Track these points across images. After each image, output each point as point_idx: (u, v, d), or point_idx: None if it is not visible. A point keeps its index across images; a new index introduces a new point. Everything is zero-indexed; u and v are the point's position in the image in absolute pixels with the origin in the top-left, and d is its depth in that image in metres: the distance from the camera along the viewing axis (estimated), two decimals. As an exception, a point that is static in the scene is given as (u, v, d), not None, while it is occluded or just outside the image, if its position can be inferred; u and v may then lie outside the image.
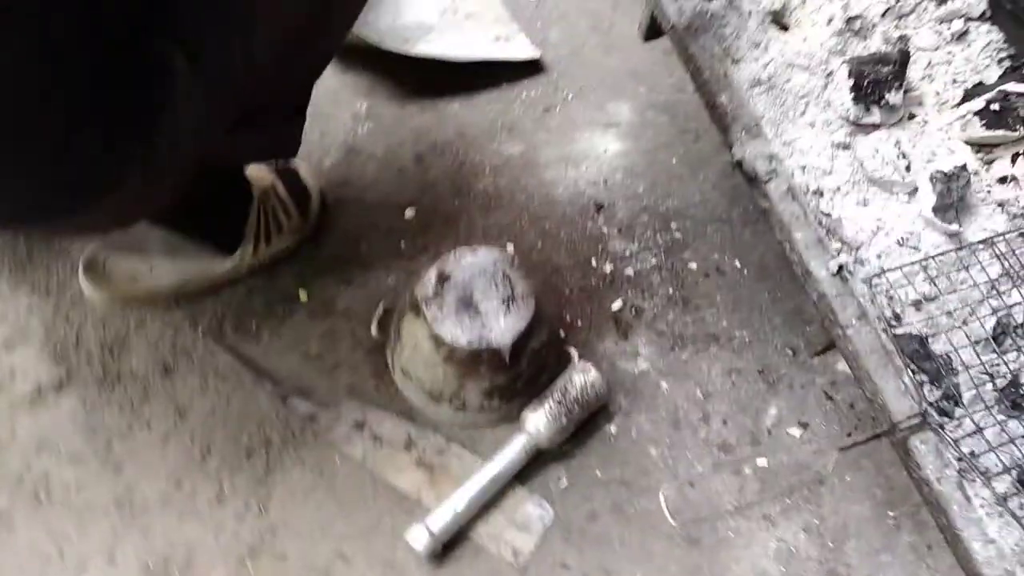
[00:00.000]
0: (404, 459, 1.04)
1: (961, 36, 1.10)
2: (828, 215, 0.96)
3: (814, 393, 1.16)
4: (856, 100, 1.00)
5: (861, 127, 1.01)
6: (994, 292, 0.93)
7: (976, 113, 1.01)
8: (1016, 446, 0.84)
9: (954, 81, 1.07)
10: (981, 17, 1.11)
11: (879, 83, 1.00)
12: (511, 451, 1.02)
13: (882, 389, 0.85)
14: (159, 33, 0.72)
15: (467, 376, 1.02)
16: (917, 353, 0.88)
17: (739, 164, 0.98)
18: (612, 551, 1.02)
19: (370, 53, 1.37)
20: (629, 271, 1.25)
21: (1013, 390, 0.87)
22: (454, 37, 1.43)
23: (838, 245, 0.94)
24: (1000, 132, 1.00)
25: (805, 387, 1.16)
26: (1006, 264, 0.95)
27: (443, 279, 1.03)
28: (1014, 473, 0.82)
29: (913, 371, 0.87)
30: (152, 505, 1.00)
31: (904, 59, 1.02)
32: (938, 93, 1.07)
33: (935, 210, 0.95)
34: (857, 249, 0.94)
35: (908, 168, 0.99)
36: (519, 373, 1.04)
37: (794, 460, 1.09)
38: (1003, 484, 0.82)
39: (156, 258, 1.09)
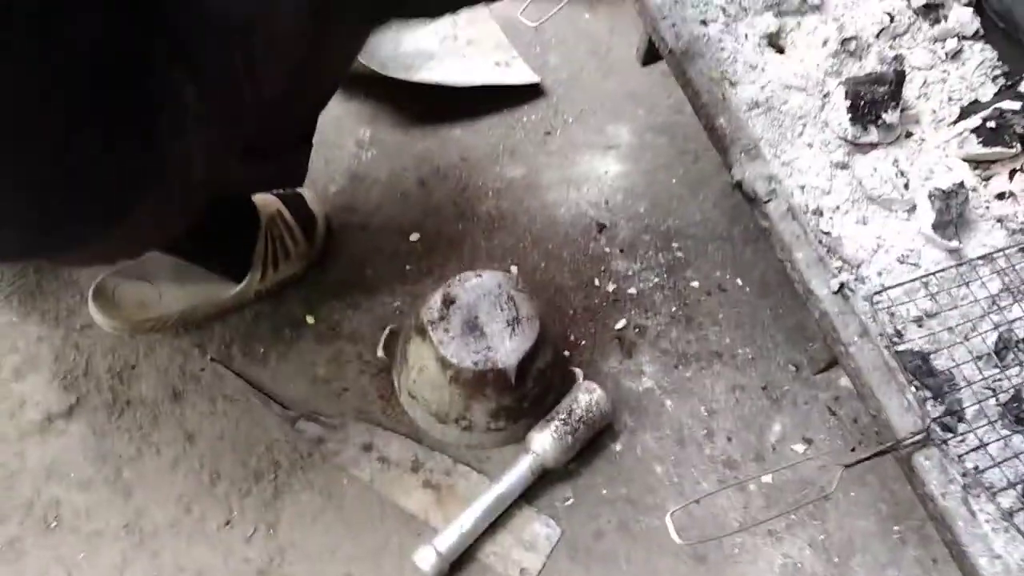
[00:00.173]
0: (411, 480, 1.05)
1: (955, 55, 1.11)
2: (828, 234, 0.97)
3: (818, 409, 1.16)
4: (853, 120, 1.01)
5: (859, 146, 1.03)
6: (995, 307, 0.94)
7: (972, 131, 1.02)
8: (1020, 460, 0.84)
9: (950, 99, 1.09)
10: (974, 36, 1.12)
11: (875, 103, 1.01)
12: (517, 471, 1.03)
13: (885, 406, 0.86)
14: (170, 65, 0.74)
15: (473, 397, 1.03)
16: (920, 369, 0.89)
17: (739, 185, 0.99)
18: (618, 569, 1.02)
19: (372, 80, 1.39)
20: (632, 290, 1.26)
21: (1016, 405, 0.88)
22: (455, 64, 1.45)
23: (839, 263, 0.95)
24: (997, 149, 1.01)
25: (809, 403, 1.17)
26: (1006, 279, 0.95)
27: (448, 302, 1.04)
28: (1019, 488, 0.83)
29: (916, 387, 0.87)
30: (162, 530, 1.01)
31: (900, 78, 1.03)
32: (934, 111, 1.08)
33: (934, 227, 0.96)
34: (858, 267, 0.95)
35: (906, 186, 1.00)
36: (525, 394, 1.05)
37: (799, 476, 1.09)
38: (1008, 499, 0.82)
39: (164, 285, 1.10)
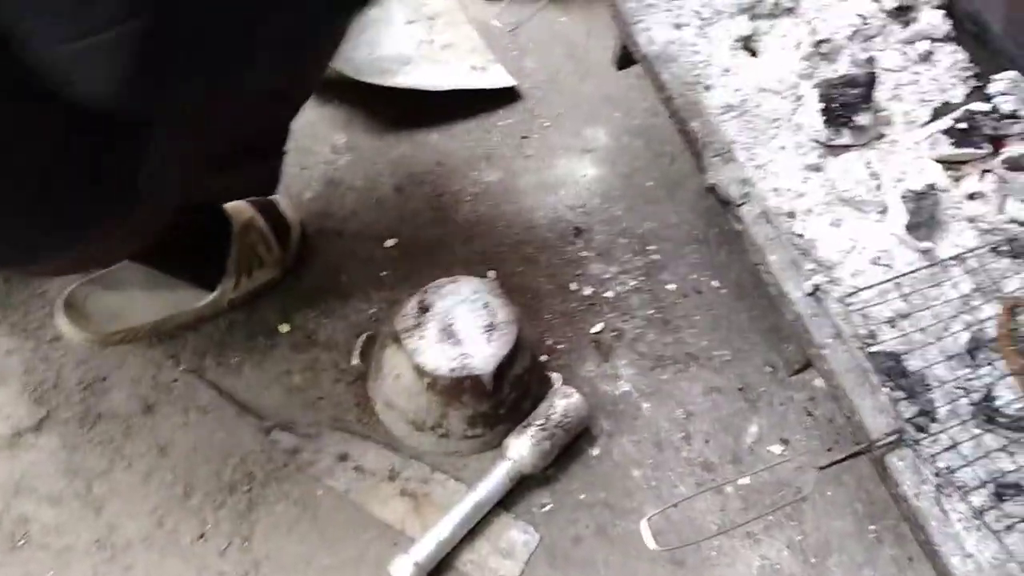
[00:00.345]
0: (388, 489, 1.04)
1: (927, 56, 1.12)
2: (801, 236, 0.97)
3: (794, 409, 1.17)
4: (826, 122, 1.02)
5: (832, 149, 1.03)
6: (967, 307, 0.95)
7: (944, 132, 1.03)
8: (991, 459, 0.85)
9: (921, 101, 1.10)
10: (945, 38, 1.13)
11: (848, 105, 1.02)
12: (495, 478, 1.02)
13: (859, 407, 0.86)
14: None
15: (450, 404, 1.02)
16: (893, 370, 0.89)
17: (712, 189, 0.99)
18: (597, 574, 1.02)
19: (347, 86, 1.38)
20: (609, 294, 1.26)
21: (987, 404, 0.88)
22: (431, 68, 1.44)
23: (812, 266, 0.95)
24: (968, 150, 1.02)
25: (785, 404, 1.17)
26: (977, 279, 0.96)
27: (424, 309, 1.04)
28: (990, 487, 0.83)
29: (889, 388, 0.88)
30: (134, 544, 0.99)
31: (871, 81, 1.04)
32: (906, 113, 1.09)
33: (907, 228, 0.97)
34: (831, 269, 0.96)
35: (879, 187, 1.01)
36: (502, 400, 1.05)
37: (776, 477, 1.09)
38: (980, 498, 0.83)
39: (136, 295, 1.09)
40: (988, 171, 1.02)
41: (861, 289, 0.93)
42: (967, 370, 0.91)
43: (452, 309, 1.04)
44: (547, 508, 1.06)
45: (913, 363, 0.90)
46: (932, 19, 1.12)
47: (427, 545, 0.97)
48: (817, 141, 1.03)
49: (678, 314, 1.24)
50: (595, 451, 1.11)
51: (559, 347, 1.20)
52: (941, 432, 0.86)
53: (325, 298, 1.21)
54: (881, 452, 0.84)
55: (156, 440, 1.06)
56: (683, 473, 1.10)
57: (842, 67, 1.10)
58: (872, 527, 1.07)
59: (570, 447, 1.09)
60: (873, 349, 0.90)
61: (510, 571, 1.00)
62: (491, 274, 1.26)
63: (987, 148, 1.01)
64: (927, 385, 0.89)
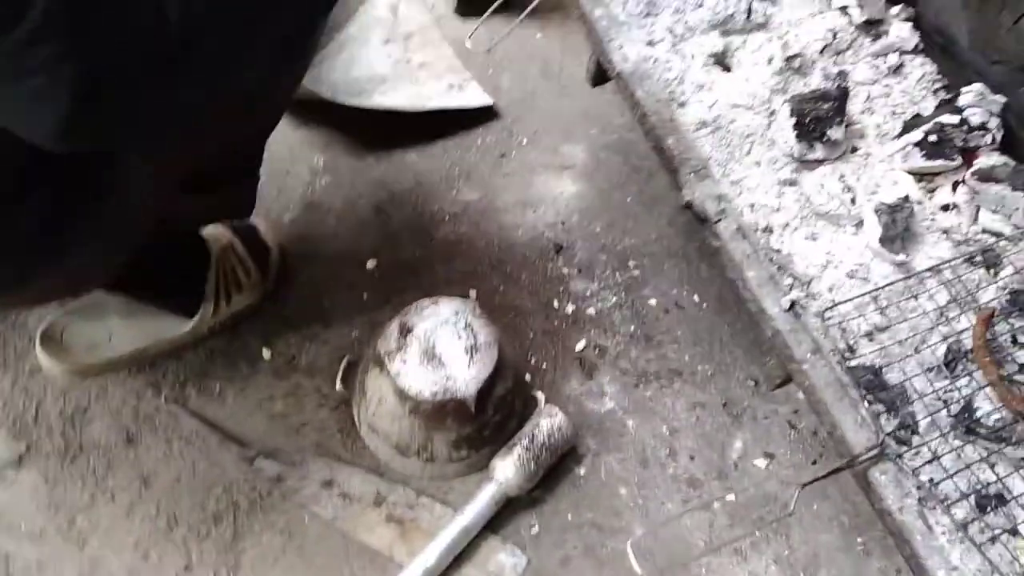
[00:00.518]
0: (374, 516, 1.04)
1: (897, 69, 1.14)
2: (778, 251, 0.98)
3: (778, 423, 1.17)
4: (799, 137, 1.02)
5: (806, 163, 1.04)
6: (943, 319, 0.96)
7: (915, 144, 1.04)
8: (972, 471, 0.86)
9: (893, 113, 1.11)
10: (915, 50, 1.14)
11: (820, 120, 1.03)
12: (481, 501, 1.02)
13: (840, 422, 0.87)
14: None
15: (434, 428, 1.02)
16: (872, 384, 0.90)
17: (689, 205, 1.00)
18: (587, 596, 1.02)
19: (325, 107, 1.38)
20: (591, 311, 1.26)
21: (967, 415, 0.89)
22: (408, 88, 1.45)
23: (789, 281, 0.96)
24: (939, 162, 1.03)
25: (769, 417, 1.18)
26: (953, 291, 0.97)
27: (405, 331, 1.03)
28: (972, 499, 0.84)
29: (869, 402, 0.88)
30: (119, 579, 0.98)
31: (843, 95, 1.05)
32: (879, 125, 1.10)
33: (882, 241, 0.98)
34: (808, 284, 0.96)
35: (853, 201, 1.01)
36: (486, 422, 1.04)
37: (761, 492, 1.10)
38: (962, 510, 0.83)
39: (115, 325, 1.08)
40: (960, 182, 1.03)
41: (839, 303, 0.94)
42: (946, 382, 0.92)
43: (434, 331, 1.04)
44: (535, 530, 1.06)
45: (892, 376, 0.91)
46: (901, 32, 1.13)
47: (414, 572, 0.97)
48: (791, 156, 1.03)
49: (660, 330, 1.25)
50: (582, 470, 1.11)
51: (543, 365, 1.21)
52: (922, 445, 0.87)
53: (306, 322, 1.20)
54: (863, 467, 0.84)
55: (139, 471, 1.05)
56: (669, 490, 1.10)
57: (814, 81, 1.11)
58: (859, 539, 1.07)
59: (556, 467, 1.09)
60: (852, 363, 0.91)
61: (498, 594, 1.00)
62: (472, 293, 1.26)
63: (958, 160, 1.03)
64: (907, 398, 0.90)
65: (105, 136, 0.66)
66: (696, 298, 1.28)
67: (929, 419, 0.89)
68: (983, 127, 1.02)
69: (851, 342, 0.93)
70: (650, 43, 1.11)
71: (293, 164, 1.37)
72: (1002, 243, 1.01)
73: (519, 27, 1.54)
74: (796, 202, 1.01)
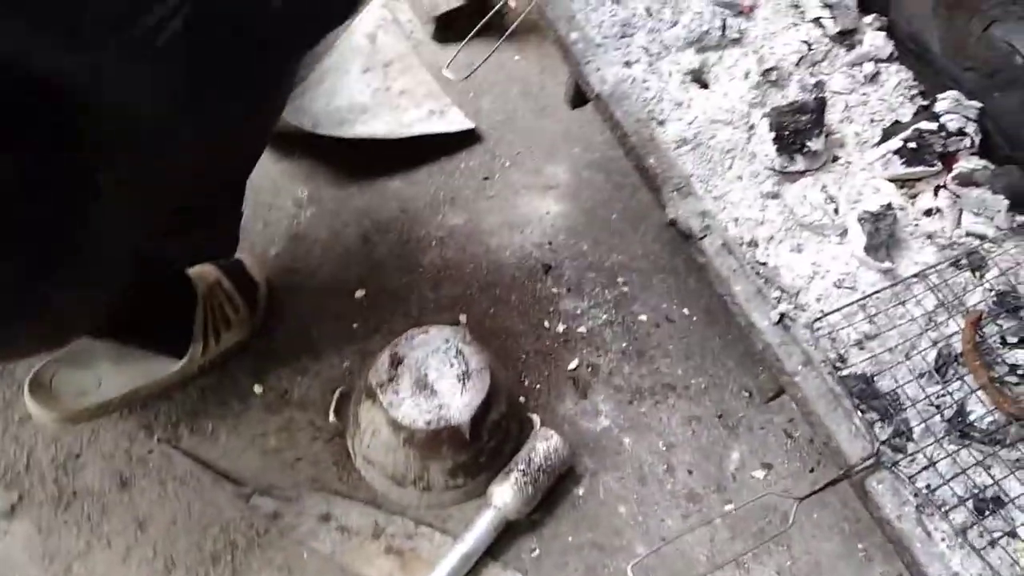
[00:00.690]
0: (373, 548, 1.03)
1: (873, 77, 1.15)
2: (764, 264, 0.98)
3: (774, 432, 1.17)
4: (779, 150, 1.03)
5: (787, 175, 1.05)
6: (932, 324, 0.96)
7: (895, 152, 1.05)
8: (968, 475, 0.86)
9: (872, 121, 1.12)
10: (889, 58, 1.16)
11: (799, 132, 1.03)
12: (480, 527, 1.02)
13: (834, 433, 0.87)
14: (80, 149, 0.73)
15: (429, 457, 1.01)
16: (864, 393, 0.90)
17: (673, 223, 1.00)
18: (591, 619, 1.02)
19: (306, 138, 1.38)
20: (582, 329, 1.26)
21: (960, 420, 0.89)
22: (389, 115, 1.45)
23: (777, 294, 0.96)
24: (920, 168, 1.04)
25: (764, 427, 1.18)
26: (940, 295, 0.98)
27: (396, 362, 1.03)
28: (970, 503, 0.84)
29: (862, 411, 0.88)
30: (117, 626, 0.97)
31: (821, 106, 1.05)
32: (858, 134, 1.11)
33: (867, 249, 0.98)
34: (796, 295, 0.97)
35: (836, 211, 1.02)
36: (481, 448, 1.04)
37: (760, 503, 1.10)
38: (961, 515, 0.84)
39: (104, 370, 1.07)
40: (941, 187, 1.04)
41: (827, 313, 0.94)
42: (938, 387, 0.92)
43: (425, 360, 1.04)
44: (535, 553, 1.05)
45: (884, 384, 0.91)
46: (875, 41, 1.14)
47: (416, 603, 0.96)
48: (772, 169, 1.04)
49: (652, 345, 1.25)
50: (580, 490, 1.11)
51: (537, 387, 1.20)
52: (918, 452, 0.87)
53: (297, 355, 1.20)
54: (860, 477, 0.85)
55: (134, 515, 1.04)
56: (669, 506, 1.10)
57: (792, 93, 1.11)
58: (860, 546, 1.07)
59: (555, 488, 1.09)
60: (844, 373, 0.91)
61: (502, 622, 1.00)
62: (462, 318, 1.26)
63: (938, 165, 1.03)
64: (900, 405, 0.90)
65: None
66: (686, 311, 1.29)
67: (923, 425, 0.89)
68: (961, 132, 1.03)
69: (841, 352, 0.93)
70: (627, 63, 1.11)
71: (277, 197, 1.37)
72: (986, 245, 1.01)
73: (497, 49, 1.55)
74: (780, 214, 1.02)
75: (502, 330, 1.26)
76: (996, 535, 0.82)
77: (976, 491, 0.85)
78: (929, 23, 1.08)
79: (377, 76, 1.52)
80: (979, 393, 0.91)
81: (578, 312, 1.28)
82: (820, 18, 1.16)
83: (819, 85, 1.13)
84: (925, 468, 0.86)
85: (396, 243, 1.34)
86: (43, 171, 0.69)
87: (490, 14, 1.21)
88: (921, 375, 0.93)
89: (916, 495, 0.84)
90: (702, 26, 1.14)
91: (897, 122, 1.09)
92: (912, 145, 1.03)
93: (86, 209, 0.75)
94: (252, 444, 1.11)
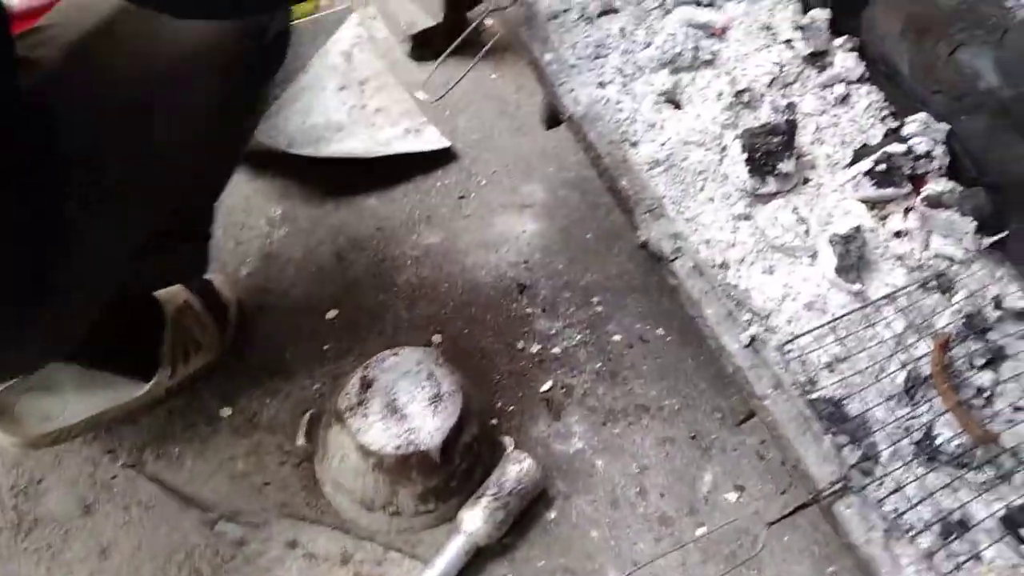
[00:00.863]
0: (341, 575, 1.01)
1: (844, 99, 1.15)
2: (735, 286, 0.98)
3: (746, 454, 1.17)
4: (751, 172, 1.03)
5: (759, 197, 1.05)
6: (901, 346, 0.96)
7: (865, 174, 1.05)
8: (935, 499, 0.86)
9: (843, 142, 1.12)
10: (860, 79, 1.16)
11: (771, 154, 1.03)
12: (451, 553, 1.00)
13: (803, 457, 0.86)
14: (49, 180, 0.72)
15: (399, 482, 1.00)
16: (834, 415, 0.90)
17: (645, 245, 1.00)
18: (562, 645, 1.00)
19: (281, 156, 1.37)
20: (556, 350, 1.26)
21: (928, 443, 0.89)
22: (365, 134, 1.44)
23: (748, 316, 0.96)
24: (889, 190, 1.04)
25: (737, 449, 1.17)
26: (909, 317, 0.98)
27: (366, 385, 1.02)
28: (936, 527, 0.84)
29: (832, 434, 0.88)
30: (78, 656, 0.95)
31: (791, 128, 1.06)
32: (829, 155, 1.11)
33: (838, 271, 0.98)
34: (767, 317, 0.96)
35: (807, 232, 1.02)
36: (452, 472, 1.03)
37: (732, 525, 1.09)
38: (928, 539, 0.83)
39: (68, 394, 1.06)
40: (911, 209, 1.04)
41: (797, 336, 0.94)
42: (907, 409, 0.92)
43: (395, 383, 1.03)
44: (506, 579, 1.04)
45: (853, 407, 0.91)
46: (846, 62, 1.15)
47: (384, 631, 0.95)
48: (744, 191, 1.04)
49: (625, 365, 1.24)
50: (552, 514, 1.10)
51: (510, 408, 1.20)
52: (886, 475, 0.87)
53: (267, 377, 1.18)
54: (829, 501, 0.84)
55: (97, 542, 1.02)
56: (641, 530, 1.09)
57: (764, 114, 1.12)
58: (831, 569, 1.07)
59: (527, 512, 1.08)
60: (813, 396, 0.91)
61: (472, 649, 0.98)
62: (436, 338, 1.25)
63: (908, 187, 1.04)
64: (868, 428, 0.90)
65: None
66: (660, 331, 1.28)
67: (891, 448, 0.89)
68: (929, 155, 1.03)
69: (812, 374, 0.93)
70: (600, 84, 1.11)
71: (250, 216, 1.36)
72: (954, 267, 1.02)
73: (473, 67, 1.55)
74: (751, 236, 1.02)
75: (476, 350, 1.25)
76: (961, 559, 0.82)
77: (943, 515, 0.85)
78: (899, 46, 1.08)
79: (353, 94, 1.51)
80: (947, 416, 0.91)
81: (552, 332, 1.27)
82: (792, 40, 1.16)
83: (791, 107, 1.13)
84: (893, 492, 0.86)
85: (371, 262, 1.33)
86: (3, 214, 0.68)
87: (465, 32, 1.21)
88: (890, 398, 0.93)
89: (884, 519, 0.84)
90: (675, 47, 1.14)
91: (867, 144, 1.10)
92: (882, 167, 1.04)
93: (57, 242, 0.74)
94: (219, 468, 1.09)
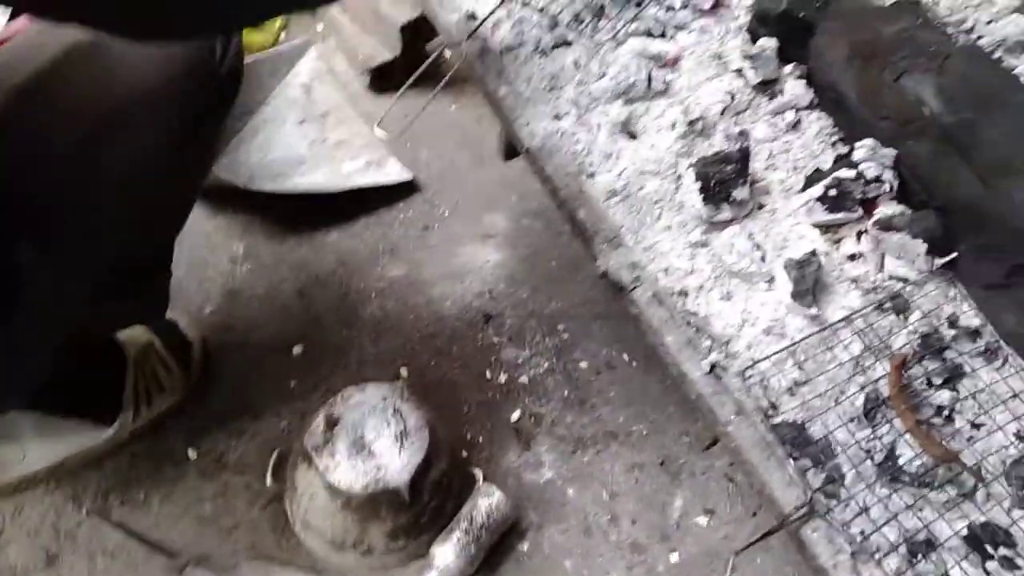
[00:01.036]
0: (313, 617, 1.01)
1: (795, 125, 1.17)
2: (695, 314, 0.99)
3: (715, 477, 1.18)
4: (706, 200, 1.05)
5: (715, 224, 1.06)
6: (859, 368, 0.98)
7: (817, 199, 1.07)
8: (899, 520, 0.87)
9: (795, 168, 1.14)
10: (810, 106, 1.19)
11: (724, 182, 1.05)
12: (422, 590, 1.00)
13: (768, 482, 0.88)
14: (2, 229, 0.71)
15: (368, 521, 1.00)
16: (797, 440, 0.91)
17: (605, 275, 1.01)
18: None
19: (241, 191, 1.37)
20: (523, 379, 1.26)
21: (890, 464, 0.91)
22: (326, 167, 1.44)
23: (708, 342, 0.97)
24: (841, 215, 1.06)
25: (706, 472, 1.18)
26: (866, 339, 1.00)
27: (332, 423, 1.02)
28: (902, 548, 0.85)
29: (795, 458, 0.89)
30: None
31: (744, 155, 1.08)
32: (782, 181, 1.13)
33: (794, 296, 1.00)
34: (727, 344, 0.98)
35: (763, 258, 1.04)
36: (422, 508, 1.03)
37: (704, 550, 1.10)
38: (895, 560, 0.85)
39: (28, 441, 1.04)
40: (863, 232, 1.06)
41: (757, 361, 0.96)
42: (867, 431, 0.93)
43: (361, 420, 1.02)
44: (479, 613, 1.04)
45: (816, 430, 0.93)
46: (795, 89, 1.18)
47: (356, 674, 0.94)
48: (700, 218, 1.06)
49: (593, 392, 1.25)
50: (525, 545, 1.10)
51: (479, 440, 1.20)
52: (850, 498, 0.88)
53: (233, 416, 1.18)
54: (795, 526, 0.85)
55: (61, 594, 1.01)
56: (614, 558, 1.10)
57: (717, 142, 1.14)
58: (802, 590, 1.08)
59: (499, 545, 1.08)
60: (776, 420, 0.92)
61: None
62: (403, 371, 1.25)
63: (859, 211, 1.06)
64: (831, 451, 0.91)
65: None
66: (626, 357, 1.29)
67: (854, 471, 0.90)
68: (879, 179, 1.06)
69: (773, 399, 0.95)
70: (556, 116, 1.13)
71: (212, 253, 1.35)
72: (908, 288, 1.04)
73: (433, 99, 1.56)
74: (709, 263, 1.03)
75: (444, 382, 1.25)
76: (926, 580, 0.83)
77: (908, 536, 0.86)
78: (845, 73, 1.11)
79: (314, 128, 1.51)
80: (907, 436, 0.93)
81: (519, 361, 1.28)
82: (742, 69, 1.19)
83: (743, 134, 1.15)
84: (858, 514, 0.87)
85: (335, 297, 1.33)
86: None
87: (423, 67, 1.22)
88: (851, 420, 0.94)
89: (851, 542, 0.85)
90: (629, 78, 1.16)
91: (818, 169, 1.12)
92: (833, 192, 1.06)
93: (8, 286, 0.73)
94: (186, 512, 1.08)
